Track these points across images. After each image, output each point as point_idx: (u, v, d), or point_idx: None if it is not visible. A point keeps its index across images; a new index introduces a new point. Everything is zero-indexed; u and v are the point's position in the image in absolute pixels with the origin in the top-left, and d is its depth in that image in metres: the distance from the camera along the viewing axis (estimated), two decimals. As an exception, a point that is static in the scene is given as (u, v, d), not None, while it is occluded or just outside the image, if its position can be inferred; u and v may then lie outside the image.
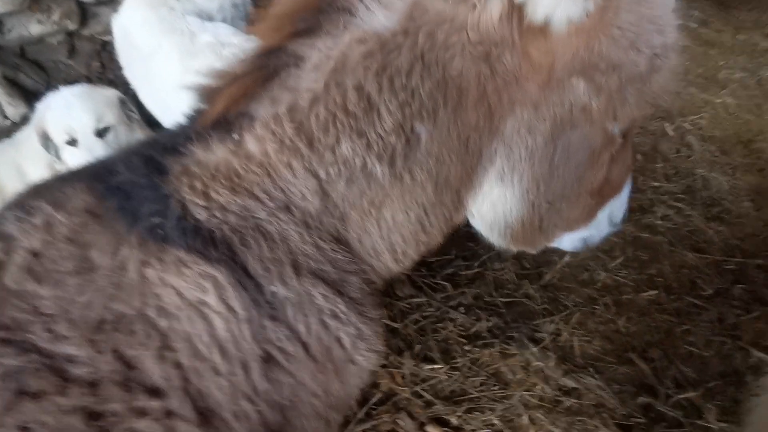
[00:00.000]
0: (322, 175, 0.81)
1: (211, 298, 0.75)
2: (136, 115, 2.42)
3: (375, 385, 2.06)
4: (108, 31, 2.79)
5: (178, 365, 0.72)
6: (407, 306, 2.38)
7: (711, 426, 1.92)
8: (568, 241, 1.13)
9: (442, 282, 2.50)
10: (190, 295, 0.74)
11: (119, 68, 2.68)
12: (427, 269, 2.56)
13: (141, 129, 2.44)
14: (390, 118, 0.80)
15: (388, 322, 2.29)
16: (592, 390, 2.06)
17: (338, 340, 0.85)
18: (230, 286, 0.76)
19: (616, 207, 1.12)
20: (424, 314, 2.36)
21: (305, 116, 0.79)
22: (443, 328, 2.30)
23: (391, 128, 0.80)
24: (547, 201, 0.94)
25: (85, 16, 3.10)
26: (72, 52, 3.18)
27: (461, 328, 2.31)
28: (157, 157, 0.81)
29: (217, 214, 0.78)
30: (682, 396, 2.01)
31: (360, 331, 0.86)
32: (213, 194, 0.79)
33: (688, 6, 4.73)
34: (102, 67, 3.25)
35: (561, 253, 2.62)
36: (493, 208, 0.95)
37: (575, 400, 2.03)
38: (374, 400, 2.02)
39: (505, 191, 0.92)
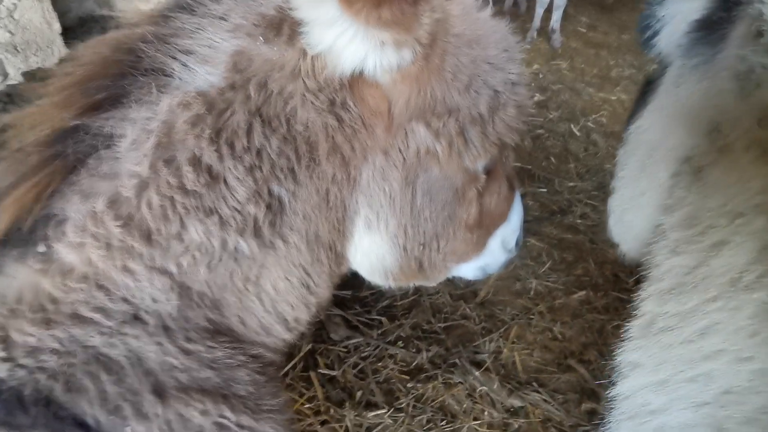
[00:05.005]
0: (173, 269, 0.69)
1: None
2: None
3: (317, 446, 1.90)
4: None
5: None
6: (344, 350, 2.25)
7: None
8: (467, 270, 1.13)
9: (378, 317, 2.40)
10: None
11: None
12: (361, 305, 2.46)
13: None
14: (241, 186, 0.70)
15: (326, 371, 2.15)
16: (538, 405, 2.03)
17: None
18: None
19: (507, 234, 1.13)
20: (362, 355, 2.24)
21: (134, 207, 0.67)
22: (384, 367, 2.20)
23: (245, 197, 0.71)
24: (419, 243, 0.91)
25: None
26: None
27: (402, 364, 2.21)
28: None
29: (25, 362, 0.61)
30: (621, 395, 2.04)
31: None
32: (16, 336, 0.62)
33: (576, 13, 5.11)
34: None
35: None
36: (366, 256, 0.91)
37: (523, 420, 1.99)
38: (318, 463, 1.86)
39: (374, 239, 0.88)
